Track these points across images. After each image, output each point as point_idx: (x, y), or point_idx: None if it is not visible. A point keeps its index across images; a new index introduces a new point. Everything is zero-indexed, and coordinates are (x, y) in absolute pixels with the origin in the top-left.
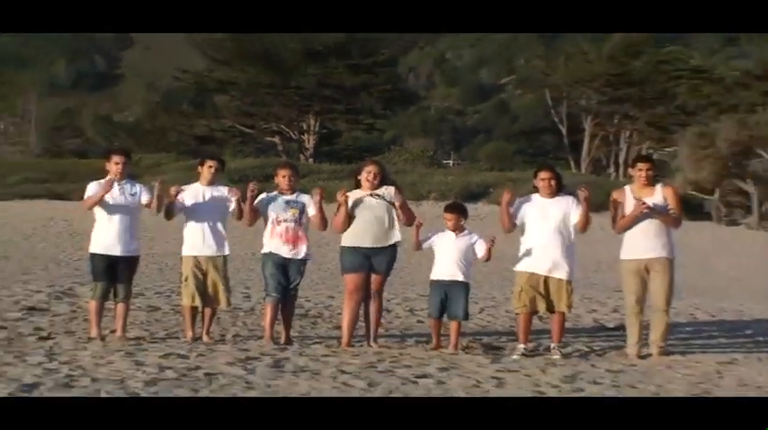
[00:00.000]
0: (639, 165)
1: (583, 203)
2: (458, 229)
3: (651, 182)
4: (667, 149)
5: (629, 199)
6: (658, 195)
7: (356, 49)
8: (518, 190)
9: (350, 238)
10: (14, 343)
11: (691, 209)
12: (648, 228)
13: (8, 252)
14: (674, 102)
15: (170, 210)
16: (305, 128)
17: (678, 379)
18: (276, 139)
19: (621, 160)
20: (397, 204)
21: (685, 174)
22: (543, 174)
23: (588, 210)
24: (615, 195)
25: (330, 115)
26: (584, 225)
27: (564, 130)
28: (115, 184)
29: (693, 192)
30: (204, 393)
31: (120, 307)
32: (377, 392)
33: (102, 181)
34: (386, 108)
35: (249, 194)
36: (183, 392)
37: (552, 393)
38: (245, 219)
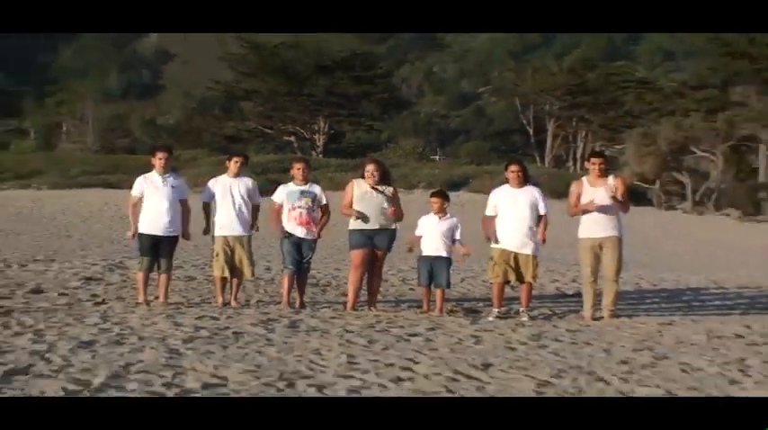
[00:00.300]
0: (593, 160)
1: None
2: (441, 212)
3: (603, 174)
4: (616, 147)
5: (585, 188)
6: (609, 184)
7: (359, 64)
8: (493, 180)
9: (357, 222)
10: (74, 307)
11: (636, 196)
12: (603, 211)
13: (69, 231)
14: (622, 107)
15: (206, 204)
16: (316, 129)
17: (626, 337)
18: (292, 138)
19: (578, 156)
20: (388, 212)
21: (631, 167)
22: (513, 167)
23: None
24: (574, 186)
25: (337, 118)
26: (542, 236)
27: (531, 131)
28: (159, 176)
29: (638, 183)
30: (232, 349)
31: (163, 277)
32: (376, 348)
33: (145, 175)
34: (383, 112)
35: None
36: (215, 348)
37: (521, 349)
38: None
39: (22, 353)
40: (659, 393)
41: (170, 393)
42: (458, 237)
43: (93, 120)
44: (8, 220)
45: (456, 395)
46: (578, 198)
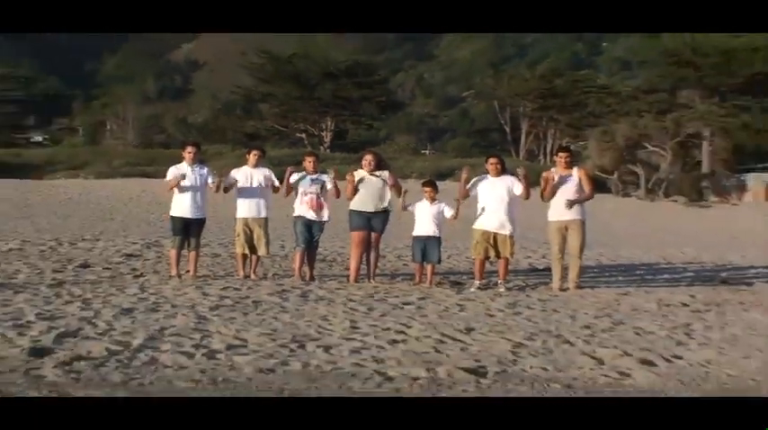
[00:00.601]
0: (560, 154)
1: (523, 180)
2: (432, 199)
3: (569, 165)
4: (581, 143)
5: (555, 177)
6: (574, 175)
7: (360, 71)
8: (474, 171)
9: (356, 205)
10: (116, 279)
11: (597, 185)
12: (568, 198)
13: (112, 215)
14: (585, 109)
15: (227, 188)
16: (323, 127)
17: (588, 305)
18: (303, 135)
19: (548, 150)
20: (390, 183)
21: (593, 160)
22: (492, 160)
23: (528, 183)
24: (545, 175)
25: (341, 118)
26: (527, 194)
27: (507, 129)
28: (188, 167)
29: (599, 173)
30: (252, 316)
31: (192, 254)
32: (374, 314)
33: (177, 166)
34: (381, 113)
35: (287, 176)
36: (237, 315)
37: (499, 316)
38: (283, 192)
39: (72, 319)
40: (617, 353)
41: (198, 354)
42: (447, 215)
43: (133, 119)
44: (60, 205)
45: (454, 395)
46: (549, 185)
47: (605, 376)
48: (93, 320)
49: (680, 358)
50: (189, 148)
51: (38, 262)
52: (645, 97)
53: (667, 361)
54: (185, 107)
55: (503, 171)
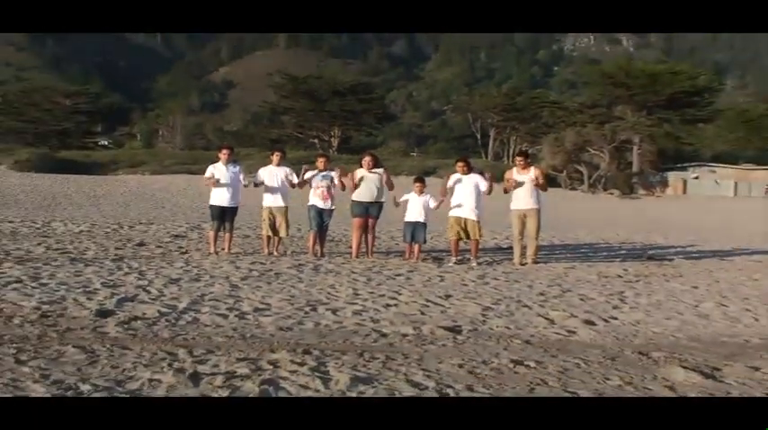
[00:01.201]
0: (518, 157)
1: (488, 179)
2: (420, 192)
3: (527, 165)
4: (537, 147)
5: (515, 175)
6: (532, 173)
7: (362, 90)
8: (450, 170)
9: (356, 196)
10: (167, 256)
11: (549, 181)
12: (526, 191)
13: (164, 204)
14: (540, 120)
15: (257, 184)
16: (332, 134)
17: (542, 276)
18: (316, 140)
19: (511, 153)
20: (384, 180)
21: (546, 161)
22: (459, 163)
23: (492, 183)
24: (507, 174)
25: (346, 127)
26: (489, 191)
27: (478, 136)
28: (223, 165)
29: (551, 171)
30: (274, 284)
31: (227, 235)
32: (372, 284)
33: (214, 164)
34: (378, 123)
35: (302, 173)
36: (262, 284)
37: (471, 285)
38: (299, 186)
39: (130, 287)
40: (565, 315)
41: (231, 315)
42: (431, 205)
43: (180, 127)
44: (122, 196)
45: (453, 395)
46: (512, 180)
47: (556, 334)
48: (148, 288)
49: (615, 319)
50: (224, 150)
51: (103, 241)
52: (588, 111)
53: (605, 321)
54: (222, 118)
55: (470, 170)
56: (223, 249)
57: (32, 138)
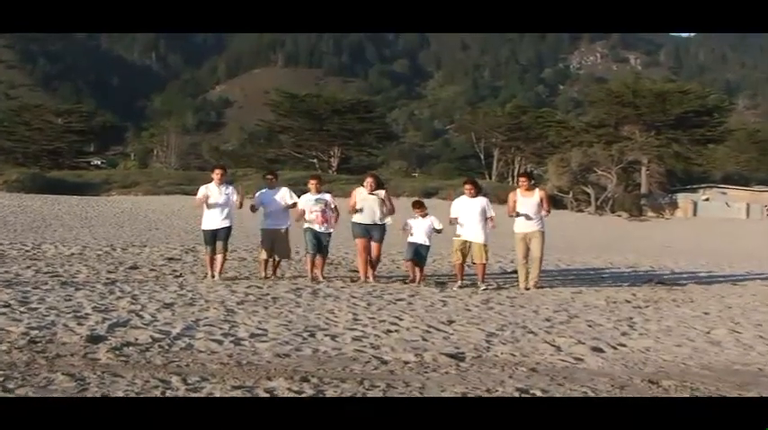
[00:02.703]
0: (521, 179)
1: (491, 221)
2: (423, 215)
3: (530, 187)
4: (542, 168)
5: (519, 197)
6: (536, 196)
7: (361, 108)
8: (455, 191)
9: (357, 218)
10: (160, 279)
11: (555, 202)
12: (530, 214)
13: (157, 225)
14: (546, 140)
15: (254, 209)
16: (332, 154)
17: (548, 301)
18: (315, 160)
19: (516, 174)
20: (385, 202)
21: (552, 181)
22: (467, 186)
23: (494, 224)
24: (511, 195)
25: (346, 147)
26: (492, 225)
27: (482, 156)
28: (215, 186)
29: (557, 193)
30: (271, 309)
31: (219, 257)
32: (372, 309)
33: (206, 185)
34: (379, 142)
35: (296, 219)
36: (259, 308)
37: (475, 310)
38: (297, 213)
39: (123, 312)
40: (572, 341)
41: (227, 341)
42: (437, 227)
43: (175, 146)
44: (114, 217)
45: (451, 395)
46: (514, 203)
47: (562, 361)
48: (140, 313)
49: (624, 346)
50: (217, 171)
51: (95, 264)
52: (594, 131)
53: (614, 348)
54: (218, 137)
55: (477, 192)
56: (219, 272)
57: (23, 157)
